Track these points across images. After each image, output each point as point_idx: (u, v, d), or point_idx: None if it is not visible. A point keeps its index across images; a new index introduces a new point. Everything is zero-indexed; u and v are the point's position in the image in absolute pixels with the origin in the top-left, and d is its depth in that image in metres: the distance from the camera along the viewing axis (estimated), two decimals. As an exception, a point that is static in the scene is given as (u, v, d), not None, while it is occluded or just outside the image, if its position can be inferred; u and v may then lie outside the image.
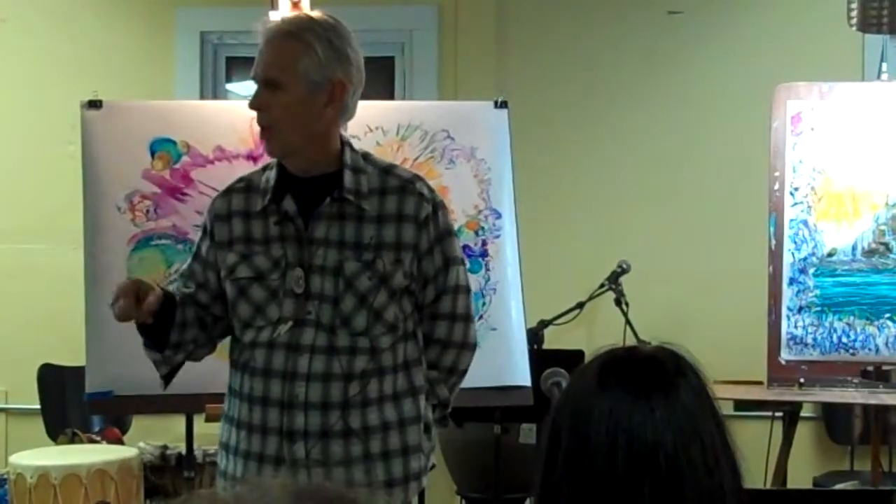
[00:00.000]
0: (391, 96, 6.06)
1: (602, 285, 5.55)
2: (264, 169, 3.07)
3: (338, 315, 2.93)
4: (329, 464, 2.93)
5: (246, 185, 3.05)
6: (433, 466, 3.16)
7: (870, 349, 4.80)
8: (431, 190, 3.06)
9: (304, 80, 2.91)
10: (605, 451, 1.58)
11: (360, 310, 2.93)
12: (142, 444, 5.25)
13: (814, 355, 4.82)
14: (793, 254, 4.86)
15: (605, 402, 1.62)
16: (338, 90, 2.95)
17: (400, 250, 2.96)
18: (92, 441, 5.28)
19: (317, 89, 2.93)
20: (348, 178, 2.96)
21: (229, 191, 3.06)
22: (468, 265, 3.36)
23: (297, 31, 2.95)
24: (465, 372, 3.15)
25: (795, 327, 4.83)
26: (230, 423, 3.04)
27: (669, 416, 1.60)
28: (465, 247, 3.26)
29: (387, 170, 3.04)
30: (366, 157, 3.05)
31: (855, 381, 4.78)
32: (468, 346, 3.12)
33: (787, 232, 4.87)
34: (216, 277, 3.03)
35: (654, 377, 1.64)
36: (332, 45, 2.96)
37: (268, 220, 2.98)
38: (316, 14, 3.05)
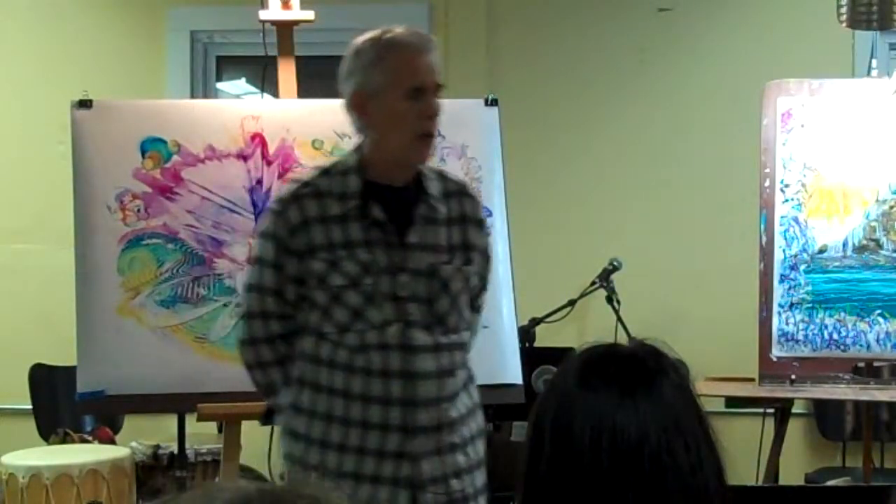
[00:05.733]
0: (382, 94, 6.05)
1: (593, 283, 5.55)
2: (325, 173, 3.12)
3: (432, 315, 3.07)
4: (442, 453, 3.07)
5: (313, 190, 3.08)
6: None
7: (861, 346, 4.81)
8: (477, 193, 3.27)
9: None
10: (589, 450, 1.58)
11: (452, 309, 3.10)
12: (134, 444, 5.25)
13: (805, 352, 4.82)
14: (784, 250, 4.86)
15: (587, 401, 1.61)
16: None
17: (469, 251, 3.15)
18: (84, 441, 5.28)
19: None
20: (428, 184, 3.10)
21: (298, 197, 3.08)
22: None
23: (433, 40, 3.12)
24: None
25: (787, 324, 4.83)
26: (325, 419, 3.07)
27: (652, 413, 1.60)
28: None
29: (441, 174, 3.20)
30: None
31: (846, 377, 4.78)
32: (477, 333, 3.36)
33: (778, 228, 4.87)
34: (294, 286, 3.08)
35: (635, 374, 1.64)
36: None
37: (347, 225, 3.05)
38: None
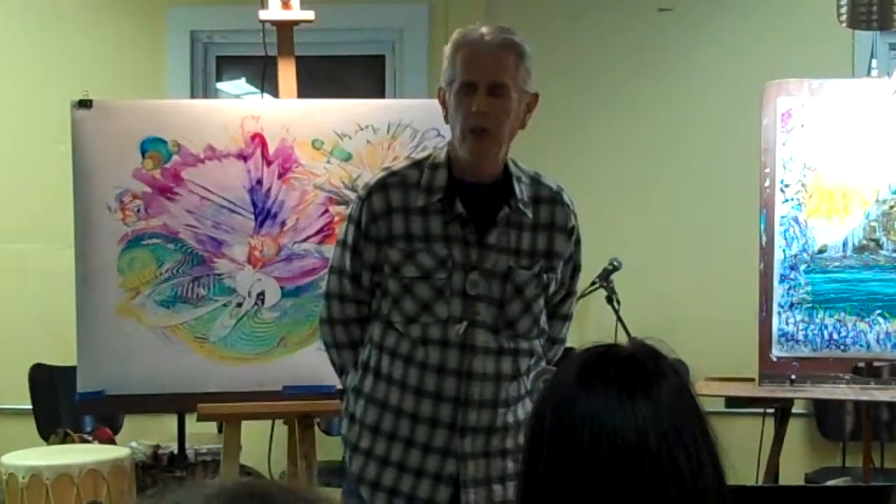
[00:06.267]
0: (382, 94, 6.06)
1: (593, 283, 5.55)
2: (417, 165, 3.17)
3: (502, 317, 3.11)
4: (490, 456, 3.12)
5: (401, 180, 3.14)
6: None
7: (861, 345, 4.81)
8: (572, 200, 3.25)
9: (520, 88, 3.10)
10: (588, 451, 1.57)
11: (525, 315, 3.14)
12: (133, 444, 5.25)
13: (805, 352, 4.82)
14: (784, 251, 4.86)
15: (586, 402, 1.61)
16: (534, 101, 3.17)
17: (552, 258, 3.18)
18: (84, 441, 5.27)
19: (523, 99, 3.13)
20: (518, 188, 3.14)
21: (384, 185, 3.15)
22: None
23: (513, 42, 3.14)
24: None
25: (787, 324, 4.83)
26: (381, 407, 3.14)
27: (651, 416, 1.60)
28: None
29: (535, 179, 3.22)
30: (515, 163, 3.22)
31: (846, 377, 4.78)
32: (565, 342, 3.37)
33: (778, 229, 4.87)
34: (370, 273, 3.15)
35: (634, 376, 1.64)
36: (532, 59, 3.16)
37: (428, 218, 3.10)
38: (504, 25, 3.24)
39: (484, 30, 3.16)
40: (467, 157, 3.10)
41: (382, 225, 3.12)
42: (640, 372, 1.64)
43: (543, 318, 3.20)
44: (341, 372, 3.28)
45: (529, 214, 3.14)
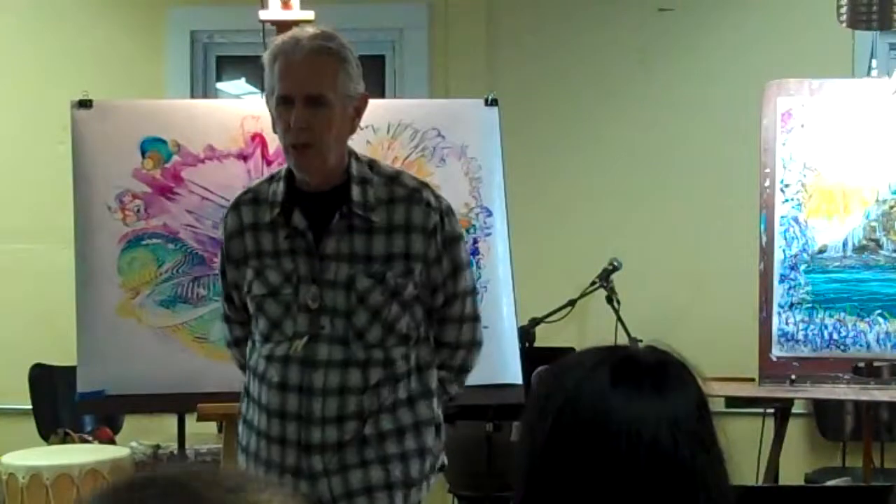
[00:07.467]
0: (382, 95, 6.06)
1: (593, 283, 5.55)
2: (271, 180, 3.08)
3: (351, 328, 2.96)
4: (347, 470, 2.98)
5: (253, 197, 3.06)
6: (443, 466, 3.17)
7: (861, 345, 4.81)
8: (438, 197, 3.06)
9: (342, 95, 2.94)
10: (625, 453, 1.55)
11: (373, 323, 2.97)
12: (134, 444, 5.25)
13: (805, 352, 4.82)
14: (784, 251, 4.86)
15: (623, 403, 1.58)
16: (362, 103, 3.02)
17: (409, 261, 2.98)
18: (84, 441, 5.27)
19: (349, 104, 2.97)
20: (356, 191, 2.97)
21: (238, 204, 3.08)
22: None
23: (329, 47, 2.94)
24: (472, 368, 3.20)
25: (787, 324, 4.83)
26: (249, 428, 3.10)
27: (681, 419, 1.59)
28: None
29: (392, 178, 3.03)
30: (371, 165, 3.05)
31: (846, 377, 4.78)
32: (476, 345, 3.17)
33: (778, 229, 4.87)
34: (237, 293, 3.11)
35: (663, 380, 1.62)
36: (355, 59, 2.99)
37: (277, 233, 3.00)
38: (323, 28, 3.04)
39: (300, 37, 2.94)
40: (294, 170, 2.98)
41: (237, 244, 3.05)
42: (669, 376, 1.63)
43: (406, 324, 3.00)
44: None
45: (376, 217, 2.96)
